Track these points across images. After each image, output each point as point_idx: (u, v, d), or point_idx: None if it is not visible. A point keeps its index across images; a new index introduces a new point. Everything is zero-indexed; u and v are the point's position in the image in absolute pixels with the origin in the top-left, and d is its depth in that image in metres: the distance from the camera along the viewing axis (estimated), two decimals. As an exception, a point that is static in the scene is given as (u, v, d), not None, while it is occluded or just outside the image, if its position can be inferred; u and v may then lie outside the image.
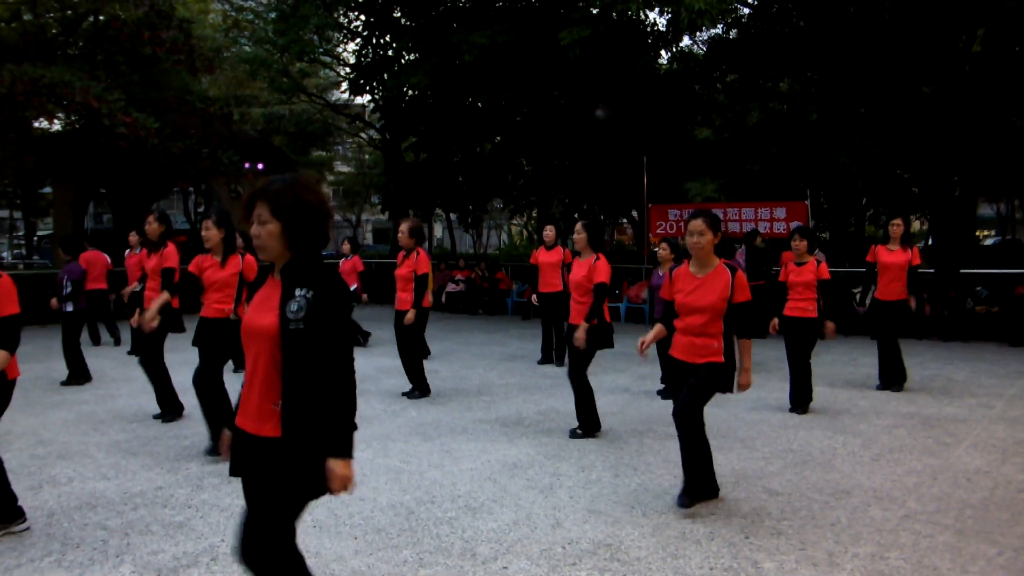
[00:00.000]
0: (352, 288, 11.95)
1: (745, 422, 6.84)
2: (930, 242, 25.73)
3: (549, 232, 9.99)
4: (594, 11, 13.58)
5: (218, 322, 5.91)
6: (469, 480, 5.26)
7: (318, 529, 4.35)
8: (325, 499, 4.75)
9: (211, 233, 5.87)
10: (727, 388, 4.61)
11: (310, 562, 3.88)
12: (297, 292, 2.49)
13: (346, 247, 12.49)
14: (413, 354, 8.05)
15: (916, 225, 29.60)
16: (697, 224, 4.54)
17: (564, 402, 7.70)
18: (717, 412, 7.16)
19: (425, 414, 7.29)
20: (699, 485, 4.61)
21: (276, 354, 2.51)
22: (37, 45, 16.34)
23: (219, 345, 5.87)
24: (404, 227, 7.86)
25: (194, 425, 6.70)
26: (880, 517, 4.49)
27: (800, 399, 7.20)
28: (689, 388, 4.55)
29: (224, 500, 4.87)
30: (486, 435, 6.48)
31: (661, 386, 7.85)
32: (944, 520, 4.43)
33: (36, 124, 19.27)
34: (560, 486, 5.12)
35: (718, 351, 4.56)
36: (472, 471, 5.48)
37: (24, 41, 16.38)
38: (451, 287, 18.21)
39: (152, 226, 6.83)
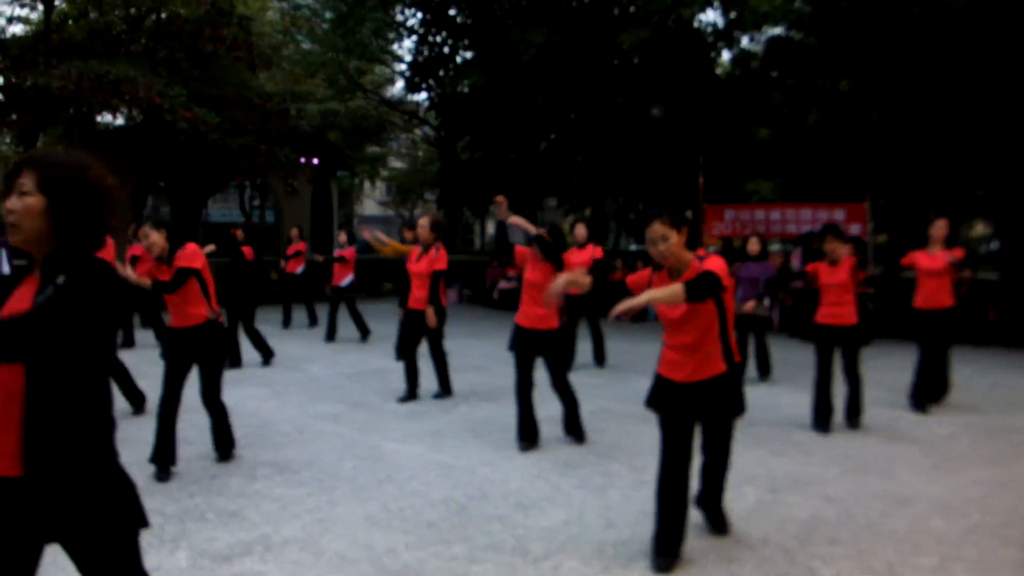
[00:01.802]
0: (349, 280, 11.99)
1: (800, 426, 6.70)
2: (992, 246, 25.01)
3: (580, 231, 9.35)
4: (653, 16, 13.47)
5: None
6: (520, 477, 5.24)
7: (370, 523, 4.37)
8: (377, 492, 4.84)
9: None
10: (741, 404, 3.95)
11: (361, 555, 3.92)
12: (49, 287, 1.98)
13: (343, 238, 12.47)
14: (439, 355, 7.86)
15: (980, 228, 28.81)
16: (656, 229, 3.68)
17: (615, 402, 7.66)
18: (770, 415, 7.05)
19: (476, 411, 7.30)
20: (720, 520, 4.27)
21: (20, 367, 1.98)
22: (102, 42, 16.78)
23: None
24: (425, 221, 7.58)
25: (245, 416, 6.81)
26: (942, 528, 4.36)
27: (853, 412, 6.76)
28: (713, 439, 4.06)
29: (276, 490, 4.93)
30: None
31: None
32: (1011, 533, 4.28)
33: (99, 119, 19.76)
34: (612, 486, 5.08)
35: (717, 357, 3.85)
36: (523, 469, 5.46)
37: (90, 39, 16.83)
38: (504, 284, 18.21)
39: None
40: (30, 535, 2.05)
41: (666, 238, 3.69)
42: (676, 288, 3.50)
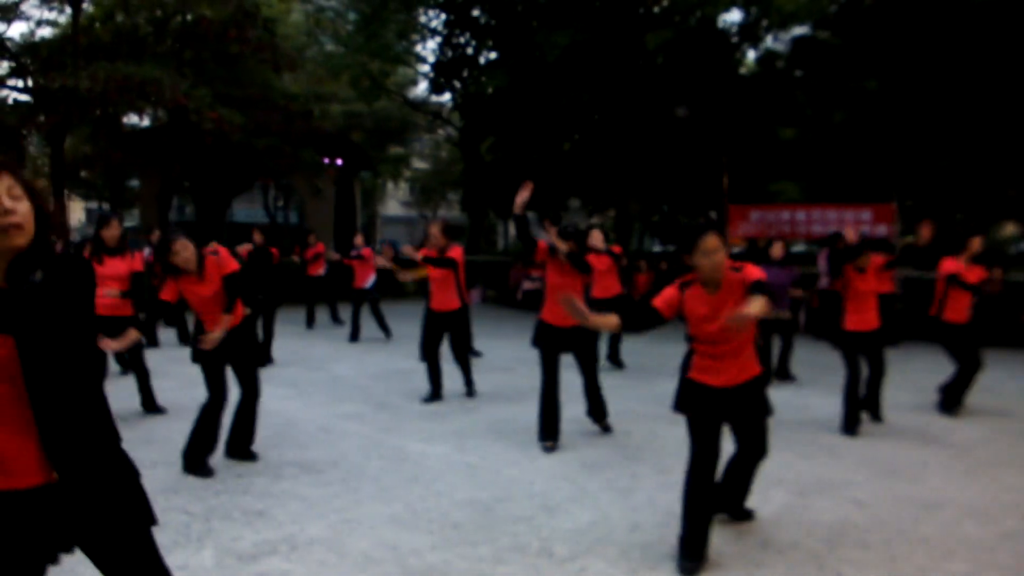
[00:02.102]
0: (372, 280, 12.06)
1: (828, 429, 6.63)
2: (1022, 247, 24.65)
3: (597, 237, 9.05)
4: (676, 17, 13.45)
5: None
6: (546, 479, 5.21)
7: (395, 523, 4.36)
8: (402, 492, 4.83)
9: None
10: (769, 404, 4.08)
11: (386, 555, 3.91)
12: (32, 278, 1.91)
13: (358, 240, 12.53)
14: (464, 352, 7.93)
15: (1010, 229, 28.41)
16: (711, 242, 3.76)
17: (639, 403, 7.62)
18: (797, 418, 6.98)
19: (501, 412, 7.28)
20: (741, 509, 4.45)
21: (17, 372, 1.91)
22: (129, 44, 16.92)
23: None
24: (436, 228, 7.64)
25: (270, 416, 6.82)
26: (975, 534, 4.28)
27: (873, 403, 6.93)
28: (750, 440, 4.13)
29: (302, 490, 4.93)
30: (562, 434, 6.39)
31: None
32: (1046, 539, 4.20)
33: (125, 120, 19.95)
34: (638, 488, 5.04)
35: (752, 359, 3.99)
36: (549, 470, 5.43)
37: (117, 41, 16.99)
38: (527, 284, 18.17)
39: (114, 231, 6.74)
40: (53, 547, 2.00)
41: (718, 250, 3.78)
42: (763, 300, 3.65)
